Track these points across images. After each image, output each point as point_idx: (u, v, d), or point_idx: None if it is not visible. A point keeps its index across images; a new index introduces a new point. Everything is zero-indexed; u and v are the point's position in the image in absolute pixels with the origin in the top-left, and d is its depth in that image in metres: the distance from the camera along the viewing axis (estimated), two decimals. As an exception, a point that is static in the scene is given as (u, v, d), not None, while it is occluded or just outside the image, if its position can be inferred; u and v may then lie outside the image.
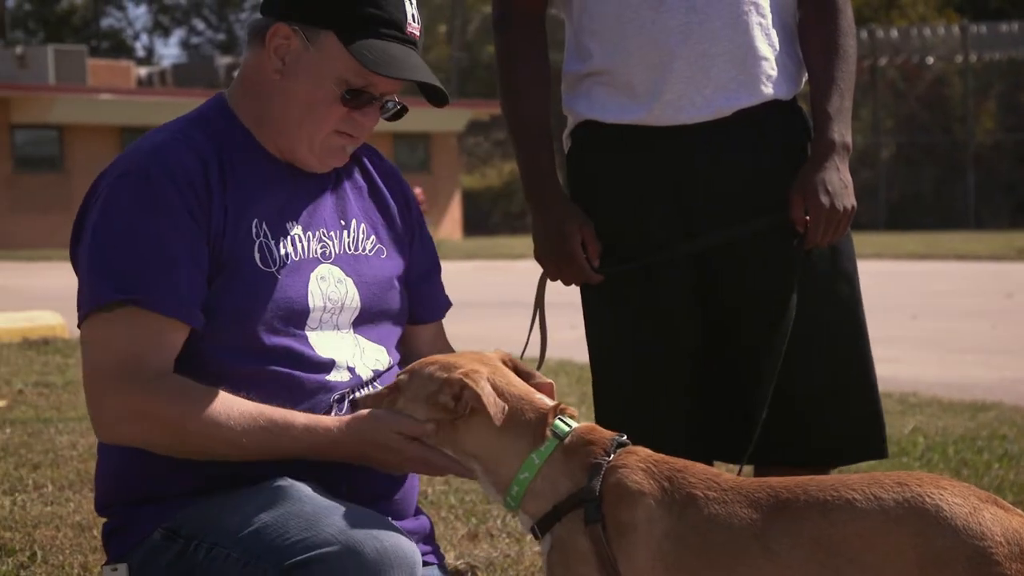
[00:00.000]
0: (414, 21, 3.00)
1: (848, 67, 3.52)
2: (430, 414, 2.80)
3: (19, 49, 39.84)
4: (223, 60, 48.20)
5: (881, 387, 3.61)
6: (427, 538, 3.15)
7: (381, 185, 3.21)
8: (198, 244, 2.89)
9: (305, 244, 3.02)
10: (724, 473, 2.72)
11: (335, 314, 3.03)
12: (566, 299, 3.66)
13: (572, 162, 3.65)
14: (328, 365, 2.98)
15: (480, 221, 44.47)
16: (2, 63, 39.66)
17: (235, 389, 2.85)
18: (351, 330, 3.07)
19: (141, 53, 71.38)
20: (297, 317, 2.97)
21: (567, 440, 2.76)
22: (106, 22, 72.33)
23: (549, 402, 2.83)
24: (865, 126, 42.37)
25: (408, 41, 2.98)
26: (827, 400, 3.52)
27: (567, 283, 3.60)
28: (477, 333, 10.17)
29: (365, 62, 2.91)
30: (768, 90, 3.50)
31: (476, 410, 2.76)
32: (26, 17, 68.04)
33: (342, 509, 2.75)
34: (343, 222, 3.11)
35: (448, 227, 41.56)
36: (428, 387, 2.80)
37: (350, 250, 3.10)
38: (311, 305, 2.99)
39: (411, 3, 3.00)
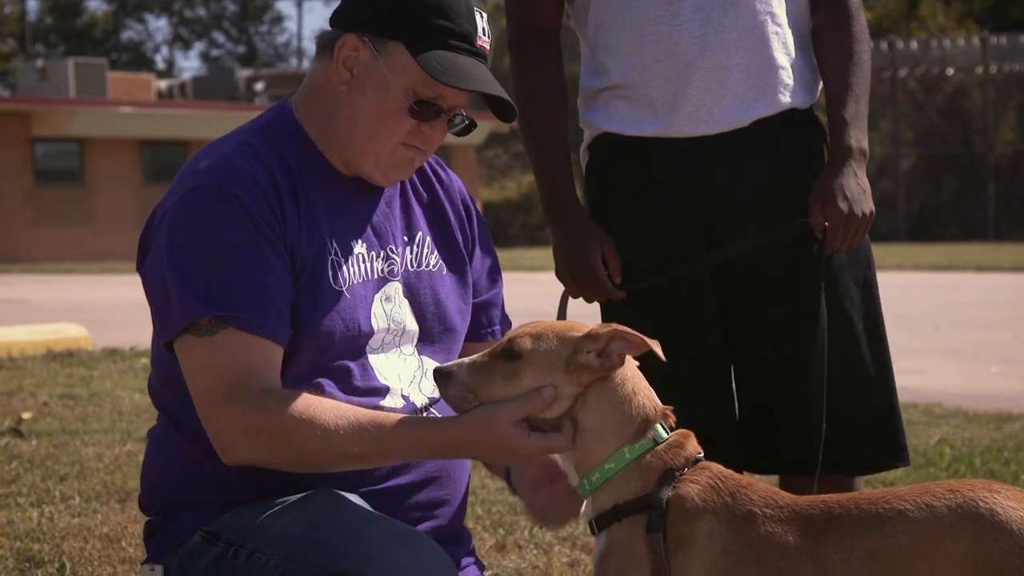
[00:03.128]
0: (484, 35, 2.96)
1: (863, 73, 3.52)
2: (563, 380, 2.70)
3: (40, 62, 39.90)
4: (243, 73, 48.31)
5: (906, 398, 3.60)
6: (469, 551, 3.15)
7: (442, 197, 3.19)
8: (280, 260, 2.85)
9: (370, 264, 2.99)
10: (782, 492, 2.72)
11: (398, 335, 3.01)
12: (589, 310, 3.66)
13: (591, 176, 3.65)
14: (383, 390, 2.95)
15: (499, 233, 44.44)
16: (23, 77, 39.79)
17: None
18: (415, 352, 3.04)
19: (161, 66, 71.67)
20: (361, 338, 2.94)
21: (659, 446, 2.73)
22: (126, 35, 72.68)
23: (660, 404, 2.79)
24: (885, 137, 42.25)
25: (477, 54, 2.94)
26: (846, 407, 3.50)
27: (589, 301, 3.59)
28: (500, 345, 10.11)
29: (433, 72, 2.87)
30: (785, 99, 3.50)
31: (613, 368, 2.70)
32: (47, 31, 68.32)
33: (383, 523, 2.74)
34: (407, 237, 3.08)
35: (467, 239, 41.34)
36: (561, 352, 2.71)
37: (412, 266, 3.07)
38: (375, 327, 2.96)
39: (482, 16, 2.97)
